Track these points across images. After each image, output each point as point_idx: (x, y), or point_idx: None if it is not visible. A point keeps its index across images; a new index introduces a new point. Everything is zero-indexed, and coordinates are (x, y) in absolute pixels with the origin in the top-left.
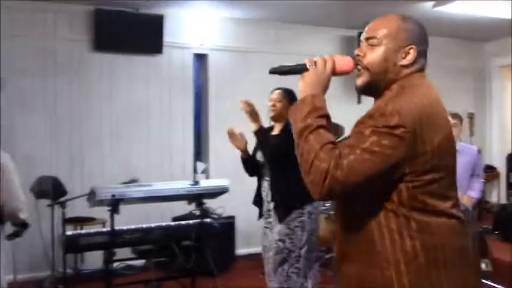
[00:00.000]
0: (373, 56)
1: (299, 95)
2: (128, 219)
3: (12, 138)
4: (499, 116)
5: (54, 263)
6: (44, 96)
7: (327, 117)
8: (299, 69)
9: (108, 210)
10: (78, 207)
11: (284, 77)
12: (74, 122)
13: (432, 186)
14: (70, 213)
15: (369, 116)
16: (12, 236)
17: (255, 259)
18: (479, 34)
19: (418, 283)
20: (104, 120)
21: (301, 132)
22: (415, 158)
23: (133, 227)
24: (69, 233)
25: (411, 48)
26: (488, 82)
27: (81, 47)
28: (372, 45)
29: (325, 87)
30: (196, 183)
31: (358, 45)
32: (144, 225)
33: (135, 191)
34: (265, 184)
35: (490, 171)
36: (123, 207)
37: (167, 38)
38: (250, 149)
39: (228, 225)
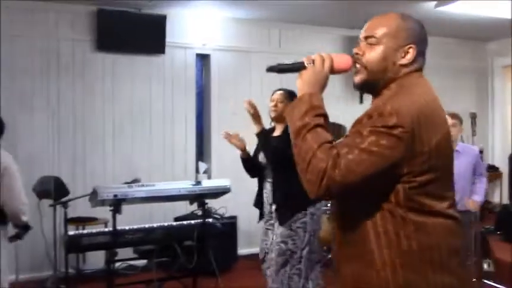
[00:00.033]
0: (372, 55)
1: (297, 93)
2: (130, 219)
3: (15, 138)
4: (501, 115)
5: (56, 262)
6: (47, 96)
7: (324, 116)
8: (297, 67)
9: (110, 210)
10: (80, 207)
11: (286, 77)
12: (76, 122)
13: (429, 186)
14: (72, 213)
15: (367, 115)
16: (13, 238)
17: (257, 259)
18: (481, 34)
19: (414, 283)
20: (106, 120)
21: (299, 131)
22: (413, 158)
23: (135, 227)
24: (71, 233)
25: (410, 47)
26: (490, 82)
27: (83, 47)
28: (371, 44)
29: (323, 86)
30: (198, 183)
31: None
32: (146, 225)
33: (137, 191)
34: (268, 186)
35: (492, 171)
36: (125, 207)
37: (169, 38)
38: (251, 149)
39: (230, 225)
